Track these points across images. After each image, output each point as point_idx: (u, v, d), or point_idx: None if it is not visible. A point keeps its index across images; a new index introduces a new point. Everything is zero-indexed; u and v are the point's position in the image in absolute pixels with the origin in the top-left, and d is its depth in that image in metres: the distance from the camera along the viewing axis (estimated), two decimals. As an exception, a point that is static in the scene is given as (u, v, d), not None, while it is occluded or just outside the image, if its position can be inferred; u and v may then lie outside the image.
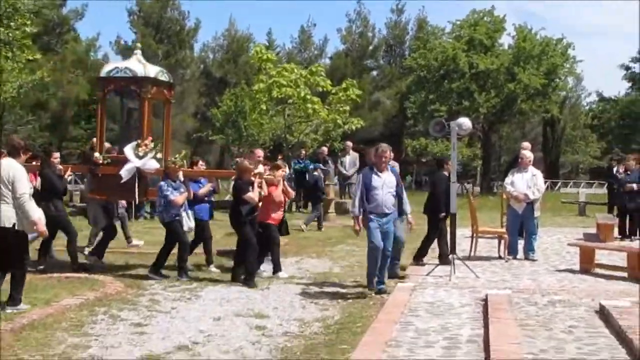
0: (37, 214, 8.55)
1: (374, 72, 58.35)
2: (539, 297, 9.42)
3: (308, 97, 22.11)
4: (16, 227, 8.34)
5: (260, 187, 10.98)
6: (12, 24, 23.14)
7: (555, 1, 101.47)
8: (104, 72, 12.26)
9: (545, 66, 40.55)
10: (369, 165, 10.26)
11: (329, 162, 22.85)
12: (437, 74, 42.10)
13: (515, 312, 8.42)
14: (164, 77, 12.35)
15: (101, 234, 12.83)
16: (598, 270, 11.67)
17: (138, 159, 11.42)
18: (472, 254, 13.15)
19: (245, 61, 49.60)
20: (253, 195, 10.77)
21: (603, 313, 8.15)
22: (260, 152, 12.71)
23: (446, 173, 12.34)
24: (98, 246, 12.48)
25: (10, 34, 22.96)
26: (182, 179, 11.29)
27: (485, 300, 9.00)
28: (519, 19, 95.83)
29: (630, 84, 61.90)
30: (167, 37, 51.97)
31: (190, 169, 12.20)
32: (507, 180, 13.46)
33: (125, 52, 51.42)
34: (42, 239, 11.06)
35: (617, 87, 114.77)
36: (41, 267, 11.35)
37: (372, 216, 9.87)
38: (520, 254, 13.23)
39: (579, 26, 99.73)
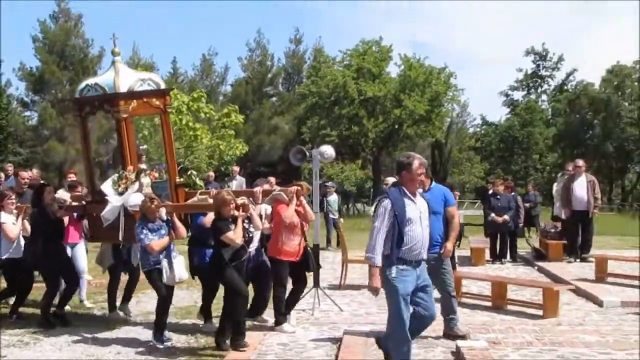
0: None
1: (274, 99, 57.39)
2: (397, 336, 8.38)
3: (190, 124, 20.86)
4: None
5: (244, 222, 8.10)
6: None
7: (445, 32, 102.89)
8: (77, 92, 9.34)
9: (429, 94, 40.65)
10: (396, 185, 6.23)
11: (214, 188, 21.55)
12: (329, 101, 41.66)
13: (369, 355, 7.36)
14: (147, 85, 9.12)
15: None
16: (465, 300, 10.79)
17: (118, 195, 8.75)
18: (343, 282, 12.14)
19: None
20: (233, 235, 7.78)
21: (459, 356, 7.18)
22: (272, 179, 10.32)
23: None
24: (110, 295, 9.90)
25: None
26: (164, 217, 8.46)
27: (340, 341, 7.92)
28: (409, 49, 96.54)
29: (509, 110, 63.51)
30: (71, 64, 49.58)
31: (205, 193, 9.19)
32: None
33: (30, 78, 48.90)
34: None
35: (500, 113, 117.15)
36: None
37: (401, 267, 5.97)
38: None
39: (469, 55, 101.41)
